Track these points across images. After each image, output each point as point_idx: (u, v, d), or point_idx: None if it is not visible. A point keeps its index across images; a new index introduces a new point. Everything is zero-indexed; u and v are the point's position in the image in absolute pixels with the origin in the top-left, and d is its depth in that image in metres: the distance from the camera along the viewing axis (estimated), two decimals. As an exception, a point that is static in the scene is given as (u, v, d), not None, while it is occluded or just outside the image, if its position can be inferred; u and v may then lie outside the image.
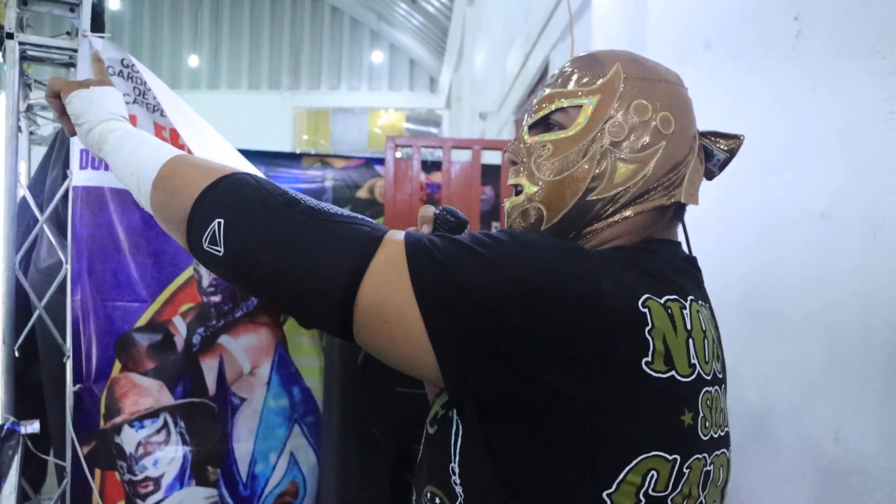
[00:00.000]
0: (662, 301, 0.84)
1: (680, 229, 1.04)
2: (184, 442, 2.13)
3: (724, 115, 2.08)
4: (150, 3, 18.52)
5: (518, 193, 0.98)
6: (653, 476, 0.81)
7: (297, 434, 2.31)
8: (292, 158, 5.33)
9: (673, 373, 0.82)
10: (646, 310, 0.81)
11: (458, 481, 0.89)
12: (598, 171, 0.92)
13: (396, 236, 0.86)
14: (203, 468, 2.16)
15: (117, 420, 2.08)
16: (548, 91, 0.99)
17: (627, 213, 0.93)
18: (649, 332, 0.81)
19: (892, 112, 1.32)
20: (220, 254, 0.90)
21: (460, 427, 0.89)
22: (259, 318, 2.33)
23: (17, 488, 1.83)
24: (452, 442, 0.90)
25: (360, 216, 0.90)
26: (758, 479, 1.77)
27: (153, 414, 2.11)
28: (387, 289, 0.81)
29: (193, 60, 18.62)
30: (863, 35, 1.41)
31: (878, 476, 1.31)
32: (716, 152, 1.01)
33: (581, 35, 3.35)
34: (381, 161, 4.93)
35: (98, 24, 2.22)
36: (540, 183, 0.95)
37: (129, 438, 2.07)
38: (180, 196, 0.97)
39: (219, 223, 0.90)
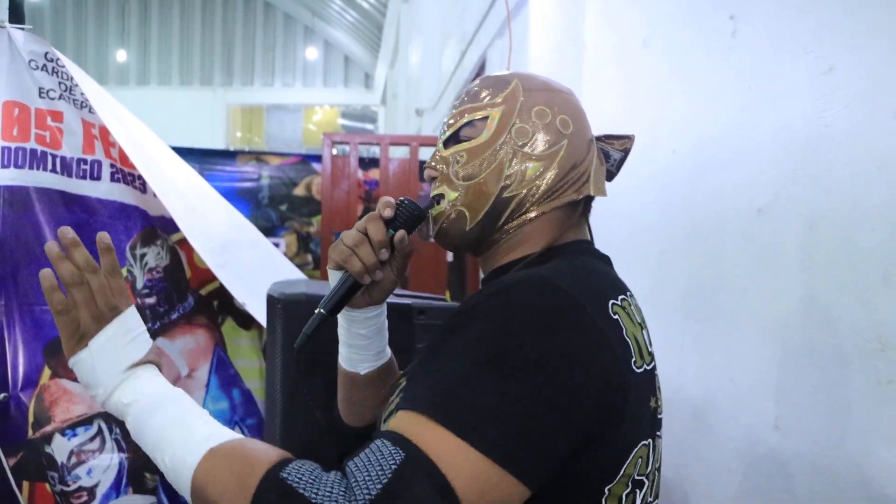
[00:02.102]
0: (619, 302, 0.93)
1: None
2: (120, 449, 2.06)
3: (660, 113, 2.12)
4: (73, -6, 17.91)
5: (440, 202, 1.07)
6: (639, 462, 0.90)
7: (238, 438, 2.26)
8: (227, 156, 5.22)
9: (644, 365, 0.92)
10: (616, 316, 0.90)
11: None
12: (509, 171, 1.02)
13: (430, 438, 0.78)
14: (141, 475, 2.09)
15: (47, 429, 1.99)
16: (456, 109, 1.09)
17: (543, 208, 1.03)
18: (625, 334, 0.89)
19: (824, 110, 1.36)
20: None
21: None
22: (196, 319, 2.27)
23: (-61, 504, 1.74)
24: None
25: (385, 465, 0.78)
26: (699, 471, 1.80)
27: (86, 421, 2.04)
28: (476, 478, 0.76)
29: (121, 55, 18.10)
30: (797, 35, 1.44)
31: (817, 462, 1.34)
32: (612, 152, 1.12)
33: (518, 32, 3.37)
34: (317, 158, 4.86)
35: (17, 15, 2.12)
36: (459, 189, 1.04)
37: (61, 447, 1.99)
38: None
39: None
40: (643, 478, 0.92)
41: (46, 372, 2.02)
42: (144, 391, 0.96)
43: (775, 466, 1.48)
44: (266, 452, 0.84)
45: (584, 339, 0.84)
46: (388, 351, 1.21)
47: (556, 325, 0.83)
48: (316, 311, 1.03)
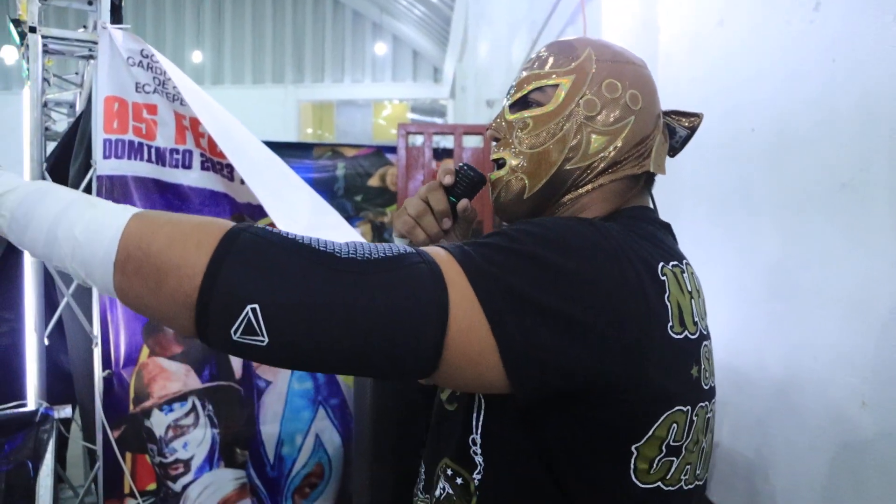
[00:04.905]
0: (671, 267, 0.90)
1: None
2: (212, 424, 2.17)
3: (737, 93, 2.10)
4: (152, -1, 18.54)
5: (500, 167, 1.05)
6: (674, 427, 0.87)
7: (322, 416, 2.35)
8: (303, 149, 5.34)
9: (686, 332, 0.88)
10: (664, 278, 0.87)
11: (478, 451, 0.94)
12: (574, 142, 1.00)
13: (452, 269, 0.79)
14: (231, 450, 2.20)
15: (147, 404, 2.12)
16: (525, 73, 1.07)
17: (602, 181, 1.01)
18: (668, 298, 0.86)
19: (912, 81, 1.34)
20: (265, 343, 0.73)
21: (483, 402, 0.94)
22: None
23: (52, 471, 1.87)
24: (475, 416, 0.95)
25: (395, 247, 0.82)
26: (781, 450, 1.79)
27: (181, 397, 2.15)
28: (469, 333, 0.77)
29: (197, 56, 18.62)
30: (883, 3, 1.42)
31: (905, 439, 1.33)
32: (678, 129, 1.09)
33: (591, 17, 3.36)
34: (391, 149, 4.94)
35: (116, 16, 2.24)
36: (521, 155, 1.03)
37: (159, 422, 2.11)
38: (170, 280, 0.73)
39: (253, 309, 0.72)
40: (680, 445, 0.88)
41: (145, 351, 2.15)
42: (21, 181, 0.81)
43: (862, 444, 1.46)
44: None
45: (620, 275, 0.81)
46: None
47: (596, 254, 0.82)
48: None
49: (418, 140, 4.28)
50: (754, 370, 1.94)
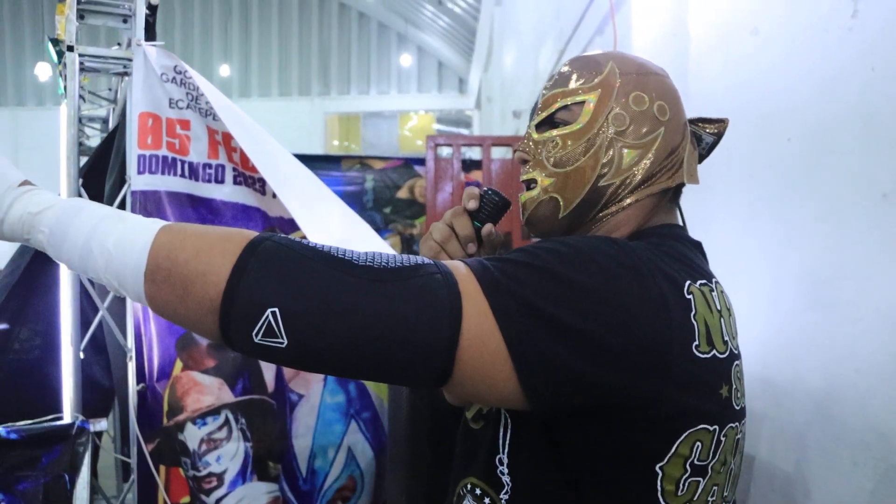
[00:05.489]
0: (698, 286, 0.90)
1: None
2: (245, 438, 2.18)
3: (772, 102, 2.07)
4: (180, 13, 18.80)
5: (531, 188, 1.05)
6: (698, 446, 0.86)
7: (354, 430, 2.35)
8: (332, 161, 5.38)
9: (714, 352, 0.87)
10: (690, 296, 0.87)
11: (505, 471, 0.94)
12: (606, 158, 1.00)
13: (468, 281, 0.80)
14: (264, 463, 2.20)
15: (180, 417, 2.13)
16: (549, 92, 1.07)
17: (637, 196, 1.01)
18: (694, 316, 0.86)
19: (955, 88, 1.31)
20: (284, 345, 0.76)
21: (509, 421, 0.94)
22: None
23: (88, 483, 1.88)
24: (501, 435, 0.95)
25: (411, 258, 0.82)
26: (822, 465, 1.75)
27: (215, 411, 2.16)
28: (482, 343, 0.78)
29: (225, 70, 18.85)
30: (924, 11, 1.40)
31: (953, 455, 1.29)
32: (704, 136, 1.10)
33: (621, 26, 3.35)
34: (419, 161, 4.95)
35: (150, 33, 2.28)
36: (554, 175, 1.02)
37: (193, 435, 2.12)
38: (196, 288, 0.77)
39: (273, 313, 0.74)
40: (706, 465, 0.87)
41: (178, 364, 2.16)
42: (56, 199, 0.85)
43: (908, 459, 1.43)
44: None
45: (642, 292, 0.81)
46: None
47: (619, 272, 0.81)
48: None
49: (446, 152, 4.29)
50: (791, 382, 1.91)
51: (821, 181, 1.79)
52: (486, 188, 1.08)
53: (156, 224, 0.82)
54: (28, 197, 0.84)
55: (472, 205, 1.06)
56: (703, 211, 2.40)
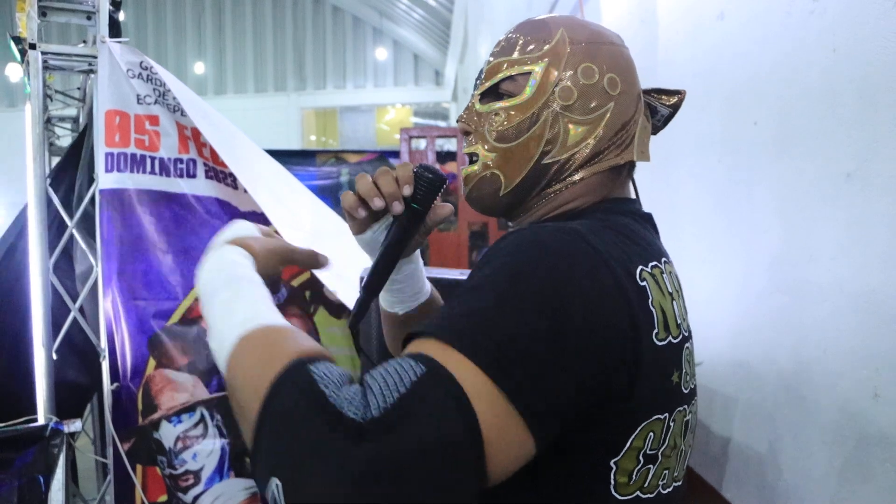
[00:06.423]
0: (650, 269, 0.85)
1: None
2: (221, 435, 2.16)
3: (740, 86, 2.09)
4: (153, 11, 18.60)
5: (473, 162, 0.99)
6: (651, 436, 0.82)
7: (331, 424, 2.34)
8: (307, 156, 5.36)
9: (669, 338, 0.84)
10: (644, 283, 0.82)
11: None
12: (550, 134, 0.94)
13: (464, 370, 0.68)
14: (241, 460, 2.19)
15: (155, 416, 2.11)
16: (495, 60, 1.00)
17: (583, 174, 0.96)
18: (651, 303, 0.82)
19: (914, 68, 1.33)
20: None
21: None
22: (289, 310, 2.36)
23: (64, 485, 1.87)
24: None
25: (405, 375, 0.68)
26: (792, 445, 1.78)
27: (189, 408, 2.15)
28: (503, 430, 0.68)
29: (199, 67, 18.69)
30: (881, -7, 1.41)
31: (918, 430, 1.31)
32: (660, 108, 1.03)
33: (590, 14, 3.36)
34: (394, 154, 4.95)
35: (115, 29, 2.25)
36: (495, 150, 0.97)
37: (168, 433, 2.11)
38: (243, 423, 0.73)
39: (277, 485, 0.66)
40: (656, 453, 0.84)
41: (151, 362, 2.14)
42: (229, 265, 0.87)
43: (876, 436, 1.45)
44: (299, 342, 0.74)
45: (602, 288, 0.76)
46: (428, 289, 1.15)
47: (576, 269, 0.76)
48: (359, 293, 1.01)
49: (421, 144, 4.28)
50: (762, 364, 1.93)
51: (786, 163, 1.80)
52: (419, 165, 0.99)
53: (243, 326, 0.76)
54: (217, 253, 0.88)
55: (407, 191, 0.96)
56: (672, 195, 2.41)
